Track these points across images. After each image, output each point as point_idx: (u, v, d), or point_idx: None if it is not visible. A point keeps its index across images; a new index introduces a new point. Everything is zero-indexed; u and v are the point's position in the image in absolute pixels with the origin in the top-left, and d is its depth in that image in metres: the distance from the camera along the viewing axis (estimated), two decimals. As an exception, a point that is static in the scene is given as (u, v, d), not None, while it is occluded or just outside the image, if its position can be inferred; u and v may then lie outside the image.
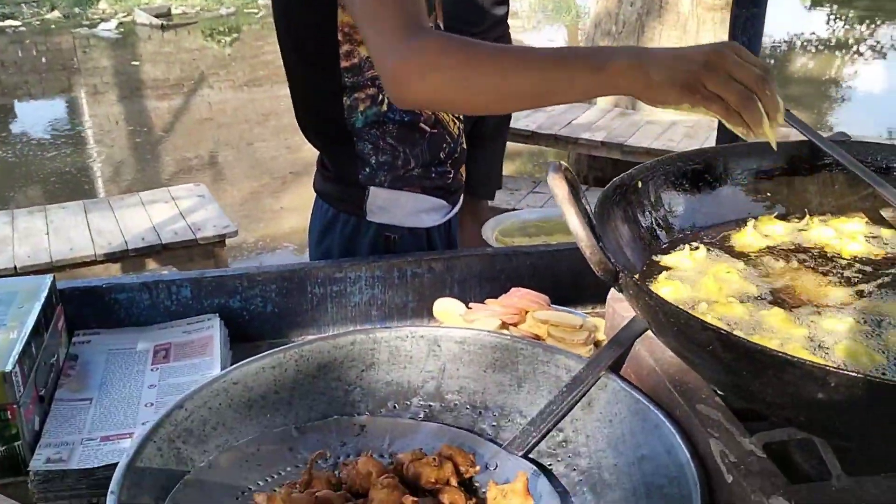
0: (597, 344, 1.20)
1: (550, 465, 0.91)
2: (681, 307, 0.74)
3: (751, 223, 1.06)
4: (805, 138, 1.12)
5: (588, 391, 0.95)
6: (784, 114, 1.07)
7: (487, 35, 2.78)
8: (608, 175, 4.04)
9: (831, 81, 8.42)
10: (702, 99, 0.87)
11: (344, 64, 1.39)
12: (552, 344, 1.12)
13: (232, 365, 0.97)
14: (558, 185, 0.79)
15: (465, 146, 1.59)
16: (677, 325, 0.74)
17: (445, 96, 1.08)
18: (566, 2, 10.80)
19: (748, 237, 1.04)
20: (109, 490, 0.72)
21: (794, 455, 0.91)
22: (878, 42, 9.89)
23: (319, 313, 1.39)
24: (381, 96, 1.42)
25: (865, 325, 0.86)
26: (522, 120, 4.13)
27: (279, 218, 5.09)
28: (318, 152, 1.57)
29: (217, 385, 0.91)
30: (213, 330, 1.27)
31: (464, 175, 1.62)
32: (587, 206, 0.89)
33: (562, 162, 0.84)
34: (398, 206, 1.50)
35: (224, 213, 3.14)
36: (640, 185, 1.05)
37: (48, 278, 1.18)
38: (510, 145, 5.51)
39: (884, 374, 0.79)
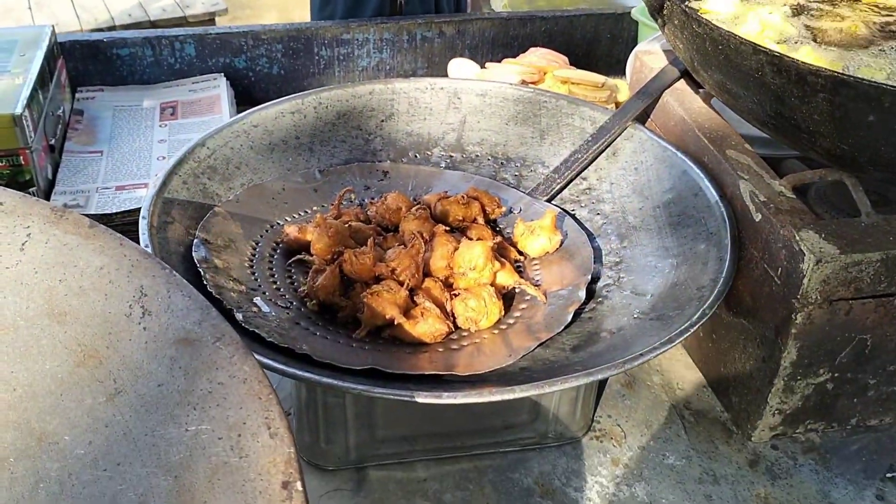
0: (617, 105, 1.17)
1: (574, 210, 0.91)
2: (732, 32, 0.71)
3: None
4: None
5: (614, 140, 0.94)
6: None
7: None
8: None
9: None
10: None
11: None
12: (573, 102, 1.09)
13: (261, 105, 0.94)
14: None
15: None
16: (725, 52, 0.71)
17: None
18: None
19: None
20: (140, 216, 0.72)
21: (818, 205, 0.92)
22: None
23: (326, 77, 1.35)
24: None
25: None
26: None
27: (260, 13, 4.88)
28: None
29: (237, 126, 0.89)
30: (219, 89, 1.23)
31: None
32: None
33: None
34: None
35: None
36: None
37: (48, 27, 1.13)
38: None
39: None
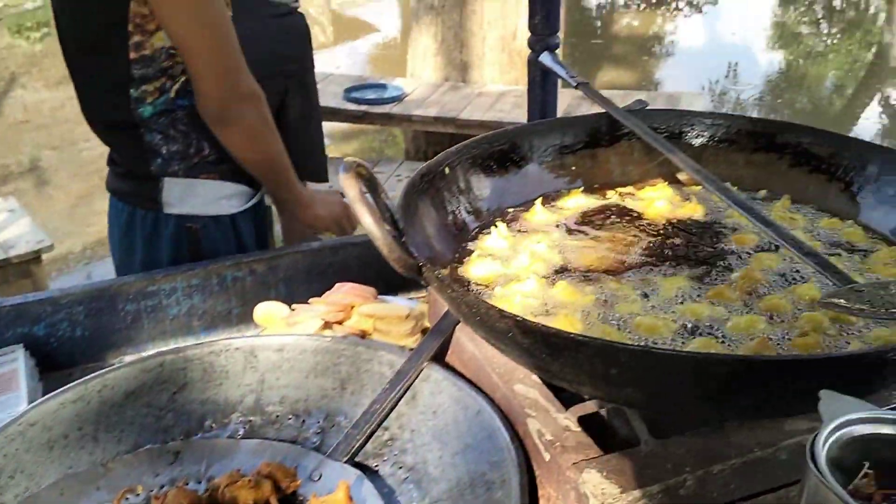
0: (424, 332, 1.19)
1: (377, 466, 0.90)
2: (481, 298, 0.74)
3: (538, 201, 1.08)
4: (603, 111, 1.14)
5: (411, 385, 0.94)
6: (582, 86, 1.10)
7: (271, 23, 2.75)
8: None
9: (654, 38, 8.77)
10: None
11: (133, 55, 1.33)
12: (379, 338, 1.11)
13: (42, 398, 0.90)
14: (349, 185, 0.76)
15: None
16: (478, 315, 0.74)
17: (237, 147, 1.42)
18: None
19: (538, 214, 1.06)
20: None
21: (612, 420, 0.94)
22: (694, -2, 10.38)
23: (135, 331, 1.31)
24: (169, 84, 1.36)
25: (649, 298, 0.89)
26: (354, 101, 4.06)
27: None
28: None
29: (12, 429, 0.84)
30: (17, 363, 1.18)
31: None
32: (387, 201, 0.87)
33: (355, 159, 0.81)
34: (196, 195, 1.44)
35: (48, 221, 2.94)
36: (447, 171, 1.04)
37: None
38: (347, 127, 5.40)
39: (681, 339, 0.82)
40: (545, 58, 1.33)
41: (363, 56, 7.90)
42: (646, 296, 0.89)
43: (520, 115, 3.91)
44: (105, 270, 4.07)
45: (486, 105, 4.01)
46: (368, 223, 0.76)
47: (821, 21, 9.31)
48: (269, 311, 1.22)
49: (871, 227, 1.01)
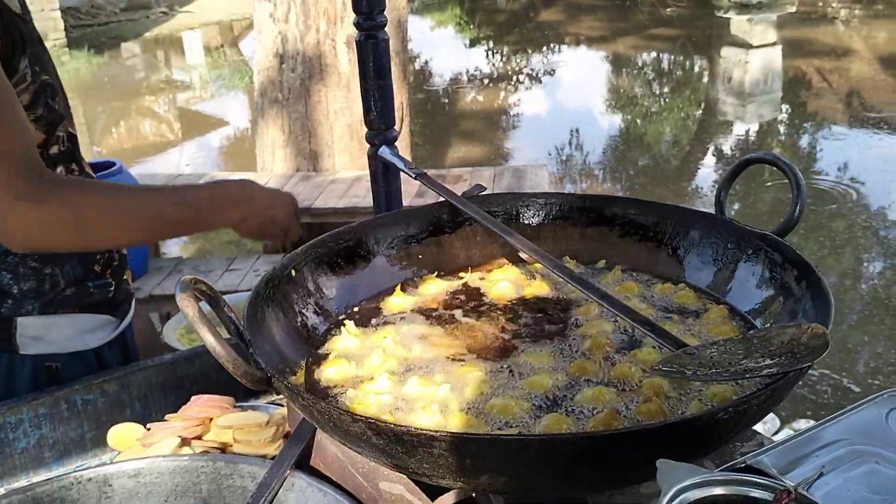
0: (288, 436, 1.17)
1: (246, 585, 0.87)
2: (331, 403, 0.74)
3: (398, 287, 1.10)
4: (444, 199, 1.18)
5: (275, 496, 0.92)
6: (420, 177, 1.14)
7: None
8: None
9: (500, 111, 9.12)
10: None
11: None
12: (240, 449, 1.08)
13: None
14: (187, 305, 0.75)
15: (125, 252, 1.50)
16: (332, 420, 0.74)
17: (62, 244, 1.23)
18: (240, 68, 10.73)
19: (398, 301, 1.08)
20: None
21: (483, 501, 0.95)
22: (533, 70, 10.89)
23: (-18, 468, 1.23)
24: None
25: (502, 373, 0.91)
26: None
27: None
28: None
29: None
30: None
31: (131, 282, 1.52)
32: (231, 314, 0.87)
33: (192, 276, 0.81)
34: (55, 332, 1.37)
35: None
36: (294, 273, 1.05)
37: None
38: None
39: (534, 416, 0.84)
40: (384, 151, 1.37)
41: (214, 151, 7.82)
42: (507, 374, 0.91)
43: (376, 199, 3.95)
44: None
45: (339, 192, 4.04)
46: (211, 342, 0.75)
47: (653, 82, 9.95)
48: (123, 434, 1.17)
49: (699, 287, 1.08)
